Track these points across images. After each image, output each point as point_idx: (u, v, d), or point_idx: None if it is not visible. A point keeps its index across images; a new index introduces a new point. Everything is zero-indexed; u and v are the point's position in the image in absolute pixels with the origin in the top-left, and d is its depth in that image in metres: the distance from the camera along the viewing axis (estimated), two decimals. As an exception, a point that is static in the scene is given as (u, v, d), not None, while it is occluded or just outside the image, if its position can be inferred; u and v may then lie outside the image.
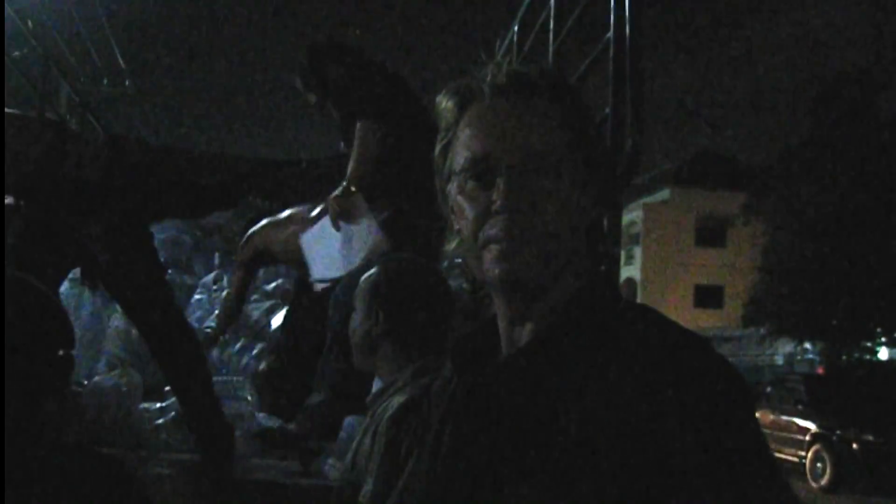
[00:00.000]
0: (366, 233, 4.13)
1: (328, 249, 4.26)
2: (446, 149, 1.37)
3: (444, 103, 1.39)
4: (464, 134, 1.33)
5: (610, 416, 1.11)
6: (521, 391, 1.23)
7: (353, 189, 4.19)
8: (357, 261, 4.00)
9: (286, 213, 5.44)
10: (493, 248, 1.25)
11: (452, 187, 1.34)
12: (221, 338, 5.79)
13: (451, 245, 1.40)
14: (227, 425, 4.10)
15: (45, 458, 1.81)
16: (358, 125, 4.25)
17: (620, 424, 1.10)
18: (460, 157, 1.32)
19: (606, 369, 1.16)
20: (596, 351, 1.20)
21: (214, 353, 5.73)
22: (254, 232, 5.59)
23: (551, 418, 1.17)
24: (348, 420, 3.55)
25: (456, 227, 1.36)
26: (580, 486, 1.11)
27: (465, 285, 1.37)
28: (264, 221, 5.58)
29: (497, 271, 1.26)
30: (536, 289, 1.28)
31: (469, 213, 1.29)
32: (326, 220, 4.30)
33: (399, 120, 4.35)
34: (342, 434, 3.50)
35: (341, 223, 4.18)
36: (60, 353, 1.94)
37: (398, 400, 2.29)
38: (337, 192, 4.18)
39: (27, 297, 1.95)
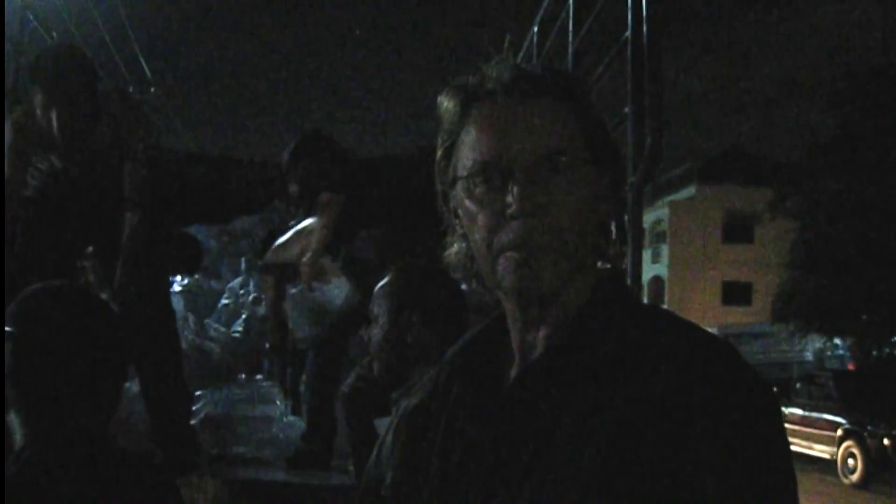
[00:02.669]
0: (337, 288, 4.57)
1: (307, 310, 4.67)
2: (449, 151, 1.30)
3: (446, 104, 1.31)
4: (470, 136, 1.26)
5: (631, 425, 1.09)
6: (538, 401, 1.20)
7: (320, 253, 4.65)
8: (334, 313, 4.53)
9: (289, 234, 5.57)
10: (509, 255, 1.20)
11: (458, 192, 1.27)
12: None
13: (452, 250, 1.35)
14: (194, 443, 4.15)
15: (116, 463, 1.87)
16: (321, 197, 4.69)
17: (641, 434, 1.08)
18: (468, 159, 1.25)
19: (626, 377, 1.13)
20: (614, 358, 1.16)
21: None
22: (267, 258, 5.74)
23: (569, 428, 1.14)
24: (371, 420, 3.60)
25: (460, 231, 1.31)
26: (598, 495, 1.09)
27: (474, 285, 1.37)
28: (274, 246, 5.70)
29: (514, 280, 1.20)
30: (552, 295, 1.23)
31: (480, 218, 1.23)
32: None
33: (354, 186, 4.82)
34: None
35: (315, 284, 4.60)
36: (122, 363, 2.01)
37: (417, 397, 2.31)
38: (305, 258, 4.61)
39: (105, 312, 2.02)
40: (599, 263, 1.31)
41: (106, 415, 1.96)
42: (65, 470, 1.78)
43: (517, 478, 1.18)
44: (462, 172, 1.26)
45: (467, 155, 1.25)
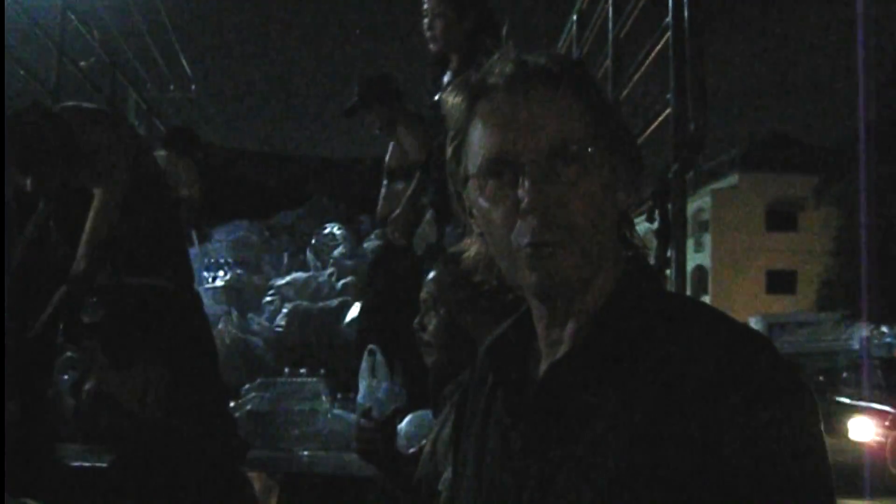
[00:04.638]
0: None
1: None
2: (459, 150, 1.28)
3: (452, 100, 1.29)
4: (477, 132, 1.23)
5: (660, 422, 1.07)
6: (566, 399, 1.18)
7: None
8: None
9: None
10: (527, 251, 1.17)
11: (470, 190, 1.25)
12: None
13: (471, 252, 1.34)
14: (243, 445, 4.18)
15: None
16: None
17: (671, 430, 1.06)
18: (477, 157, 1.22)
19: (655, 373, 1.11)
20: (642, 353, 1.14)
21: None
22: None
23: (598, 424, 1.13)
24: (410, 416, 3.60)
25: (477, 231, 1.29)
26: (627, 492, 1.07)
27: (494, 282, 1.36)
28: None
29: (535, 277, 1.18)
30: (575, 289, 1.21)
31: (495, 216, 1.21)
32: None
33: None
34: (409, 428, 3.55)
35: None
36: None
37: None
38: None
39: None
40: (629, 255, 1.28)
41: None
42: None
43: (548, 473, 1.16)
44: (472, 171, 1.24)
45: (476, 153, 1.23)
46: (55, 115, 4.10)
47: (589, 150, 1.19)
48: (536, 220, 1.16)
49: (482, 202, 1.23)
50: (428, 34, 4.67)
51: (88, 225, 4.00)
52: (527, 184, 1.16)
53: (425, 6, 4.66)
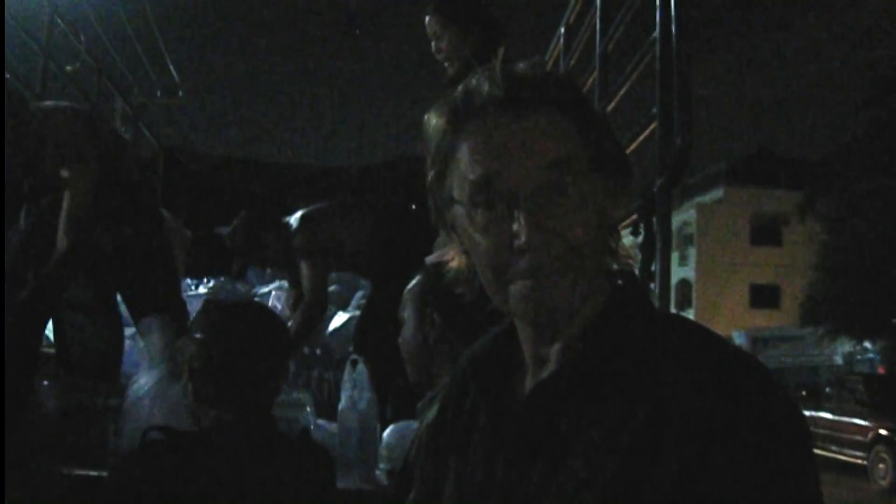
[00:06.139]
0: None
1: None
2: (442, 174, 1.22)
3: (434, 122, 1.22)
4: (465, 157, 1.17)
5: (649, 444, 1.04)
6: (553, 418, 1.16)
7: None
8: None
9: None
10: (521, 284, 1.13)
11: (457, 214, 1.21)
12: None
13: (453, 264, 1.30)
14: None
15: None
16: None
17: (660, 453, 1.03)
18: (466, 183, 1.16)
19: (644, 393, 1.08)
20: (631, 373, 1.11)
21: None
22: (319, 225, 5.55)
23: (586, 445, 1.10)
24: (392, 427, 3.59)
25: (460, 247, 1.26)
26: None
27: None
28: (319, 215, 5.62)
29: (529, 308, 1.15)
30: (568, 316, 1.17)
31: (484, 245, 1.16)
32: None
33: None
34: (389, 440, 3.53)
35: None
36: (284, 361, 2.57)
37: (436, 408, 2.29)
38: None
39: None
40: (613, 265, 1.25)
41: (269, 402, 2.39)
42: (242, 446, 2.22)
43: (533, 493, 1.14)
44: (461, 197, 1.19)
45: (464, 178, 1.17)
46: (7, 86, 3.99)
47: (584, 175, 1.15)
48: (534, 254, 1.12)
49: (470, 230, 1.18)
50: (439, 57, 4.58)
51: (66, 204, 3.91)
52: (522, 218, 1.11)
53: (428, 29, 4.57)
